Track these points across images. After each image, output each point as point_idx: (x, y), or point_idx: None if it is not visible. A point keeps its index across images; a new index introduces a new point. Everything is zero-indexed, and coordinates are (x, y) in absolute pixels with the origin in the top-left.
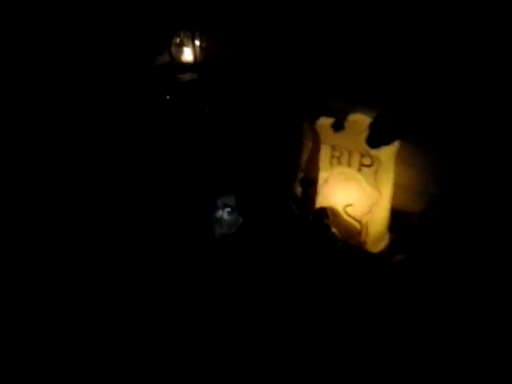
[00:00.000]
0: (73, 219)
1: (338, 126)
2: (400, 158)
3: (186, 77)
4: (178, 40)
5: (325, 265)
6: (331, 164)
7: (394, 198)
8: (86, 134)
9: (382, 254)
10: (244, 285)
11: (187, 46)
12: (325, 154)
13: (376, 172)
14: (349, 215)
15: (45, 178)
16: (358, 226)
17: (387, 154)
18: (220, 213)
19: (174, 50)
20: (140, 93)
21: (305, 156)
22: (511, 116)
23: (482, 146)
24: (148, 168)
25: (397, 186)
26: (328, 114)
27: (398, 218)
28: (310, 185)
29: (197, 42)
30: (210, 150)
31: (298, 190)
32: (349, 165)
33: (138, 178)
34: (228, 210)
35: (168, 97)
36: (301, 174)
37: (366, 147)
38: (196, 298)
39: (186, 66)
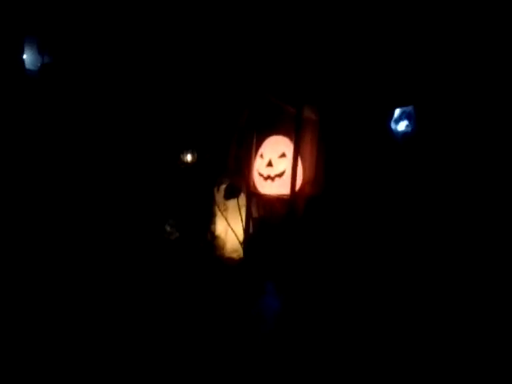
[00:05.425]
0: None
1: (217, 190)
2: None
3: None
4: (185, 153)
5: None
6: (218, 210)
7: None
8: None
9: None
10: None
11: (189, 155)
12: (216, 205)
13: (227, 213)
14: (219, 237)
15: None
16: (222, 244)
17: (232, 203)
18: (166, 226)
19: (182, 156)
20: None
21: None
22: None
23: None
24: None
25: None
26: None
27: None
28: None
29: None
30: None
31: (214, 227)
32: (220, 209)
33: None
34: (170, 225)
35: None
36: (215, 219)
37: (223, 200)
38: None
39: (188, 163)
